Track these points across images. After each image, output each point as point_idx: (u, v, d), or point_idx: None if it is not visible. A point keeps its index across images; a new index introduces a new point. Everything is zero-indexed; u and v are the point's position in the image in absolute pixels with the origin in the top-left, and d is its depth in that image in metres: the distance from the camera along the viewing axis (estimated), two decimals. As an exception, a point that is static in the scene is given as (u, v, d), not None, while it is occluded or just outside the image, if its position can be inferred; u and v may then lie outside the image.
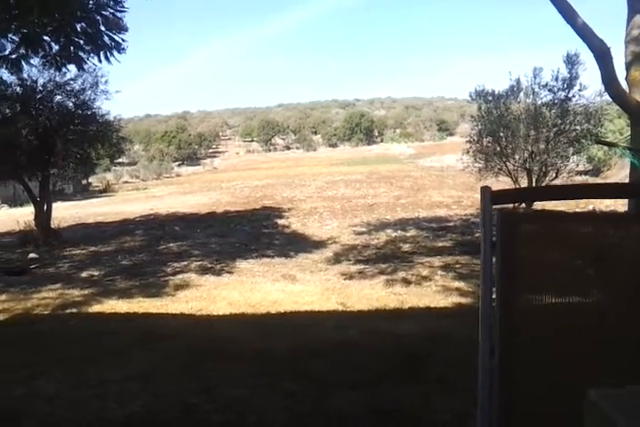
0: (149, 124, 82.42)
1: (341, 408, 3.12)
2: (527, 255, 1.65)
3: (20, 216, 14.69)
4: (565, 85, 12.92)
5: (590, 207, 13.31)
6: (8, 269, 9.43)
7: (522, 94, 13.77)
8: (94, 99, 12.88)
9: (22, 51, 7.32)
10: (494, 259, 1.63)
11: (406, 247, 10.34)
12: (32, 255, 10.79)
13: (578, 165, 15.32)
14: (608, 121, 17.21)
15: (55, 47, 7.39)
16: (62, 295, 7.26)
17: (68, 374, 3.90)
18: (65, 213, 18.11)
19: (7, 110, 12.57)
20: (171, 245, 11.77)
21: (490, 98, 13.96)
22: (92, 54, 7.39)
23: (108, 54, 7.27)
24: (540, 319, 1.62)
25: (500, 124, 13.60)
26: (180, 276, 8.45)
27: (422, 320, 5.28)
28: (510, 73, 13.62)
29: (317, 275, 8.30)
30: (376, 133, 79.70)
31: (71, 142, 13.11)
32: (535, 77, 13.32)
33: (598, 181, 21.35)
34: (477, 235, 9.46)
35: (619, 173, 20.52)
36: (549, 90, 13.16)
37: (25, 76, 11.76)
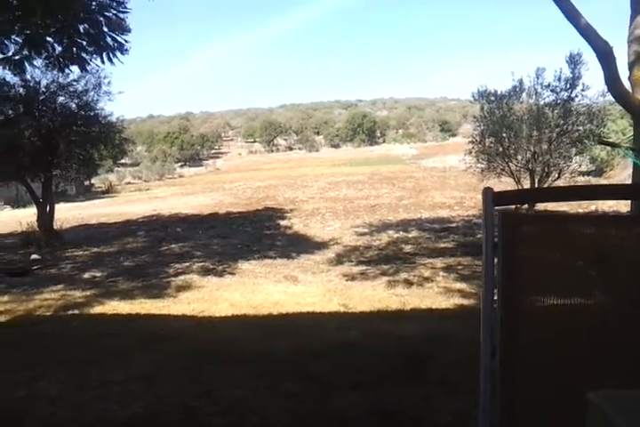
0: (152, 125, 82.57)
1: (343, 409, 3.12)
2: (529, 257, 1.64)
3: (22, 217, 14.73)
4: (568, 86, 12.92)
5: (593, 208, 13.28)
6: (10, 270, 9.45)
7: (524, 95, 13.77)
8: (97, 100, 12.94)
9: (25, 52, 7.33)
10: (496, 260, 1.63)
11: (408, 248, 10.32)
12: (34, 256, 10.81)
13: (580, 166, 15.32)
14: (611, 121, 17.19)
15: (58, 48, 7.39)
16: (64, 296, 7.26)
17: (69, 375, 3.90)
18: (67, 214, 18.15)
19: (10, 111, 12.60)
20: (173, 246, 11.78)
21: (492, 98, 13.96)
22: (94, 55, 7.39)
23: (111, 55, 7.27)
24: (541, 321, 1.62)
25: (502, 125, 13.60)
26: (181, 277, 8.46)
27: (424, 321, 5.26)
28: (513, 73, 13.64)
29: (319, 276, 8.29)
30: (378, 134, 79.71)
31: (74, 143, 13.13)
32: (538, 78, 13.33)
33: (601, 181, 21.29)
34: (479, 236, 9.44)
35: (621, 173, 20.46)
36: (552, 90, 13.16)
37: (28, 77, 11.82)
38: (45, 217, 12.87)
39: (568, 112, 13.03)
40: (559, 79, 12.97)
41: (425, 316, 5.64)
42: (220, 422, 3.07)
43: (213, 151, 74.74)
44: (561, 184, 13.51)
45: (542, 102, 13.46)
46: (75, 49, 7.20)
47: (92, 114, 13.06)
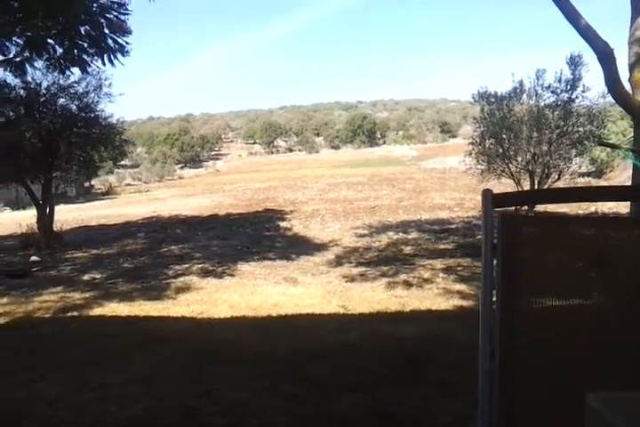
0: (152, 127, 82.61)
1: (342, 411, 3.11)
2: (528, 258, 1.64)
3: (22, 219, 14.72)
4: (568, 87, 12.93)
5: (592, 209, 13.28)
6: (10, 271, 9.45)
7: (524, 96, 13.78)
8: (98, 101, 12.95)
9: (26, 54, 7.34)
10: (495, 262, 1.63)
11: (408, 250, 10.32)
12: (34, 258, 10.80)
13: (580, 167, 15.31)
14: (611, 122, 17.19)
15: (59, 50, 7.40)
16: (64, 298, 7.26)
17: (68, 377, 3.89)
18: (67, 215, 18.15)
19: (11, 113, 12.62)
20: (172, 247, 11.78)
21: (492, 99, 13.97)
22: (95, 57, 7.39)
23: (112, 57, 7.28)
24: (540, 322, 1.61)
25: (502, 126, 13.60)
26: (181, 278, 8.46)
27: (423, 323, 5.26)
28: (513, 74, 13.65)
29: (319, 277, 8.29)
30: (378, 135, 79.73)
31: (74, 145, 13.14)
32: (538, 79, 13.34)
33: (601, 182, 21.31)
34: (479, 237, 9.45)
35: (621, 174, 20.47)
36: (552, 91, 13.17)
37: (29, 79, 11.81)
38: (45, 219, 12.87)
39: (568, 113, 13.04)
40: (559, 80, 12.98)
41: (424, 317, 5.64)
42: (219, 423, 3.06)
43: (213, 153, 74.75)
44: (561, 185, 13.51)
45: (542, 104, 13.47)
46: (76, 51, 7.21)
47: (92, 116, 13.07)
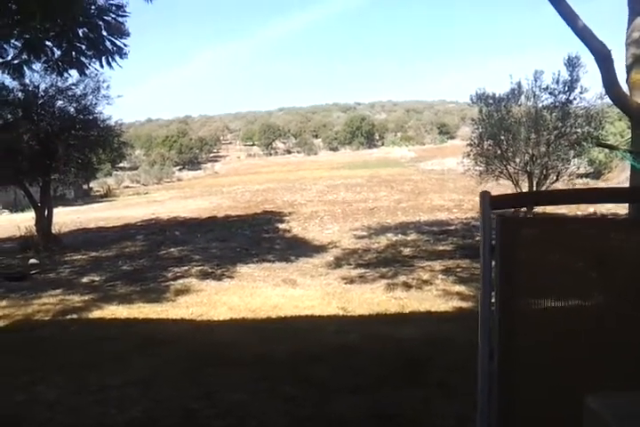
0: (151, 129, 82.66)
1: (342, 413, 3.11)
2: (526, 259, 1.65)
3: (20, 222, 14.69)
4: (566, 88, 12.96)
5: (591, 210, 13.28)
6: (9, 274, 9.43)
7: (523, 97, 13.81)
8: (96, 104, 12.94)
9: (24, 56, 7.34)
10: (493, 263, 1.63)
11: (407, 251, 10.32)
12: (33, 261, 10.79)
13: (579, 168, 15.34)
14: (609, 123, 17.25)
15: (57, 52, 7.40)
16: (63, 301, 7.25)
17: (68, 379, 3.89)
18: (66, 218, 18.14)
19: (9, 116, 12.60)
20: (171, 249, 11.77)
21: (491, 101, 14.00)
22: (93, 59, 7.40)
23: (110, 59, 7.28)
24: (539, 323, 1.62)
25: (500, 128, 13.63)
26: (180, 281, 8.45)
27: (423, 324, 5.26)
28: (511, 76, 13.68)
29: (318, 279, 8.29)
30: (377, 137, 79.86)
31: (72, 147, 13.13)
32: (536, 80, 13.38)
33: (599, 183, 21.34)
34: (478, 238, 9.42)
35: (620, 175, 20.51)
36: (550, 93, 13.21)
37: (27, 81, 11.80)
38: (44, 221, 12.85)
39: (566, 115, 13.07)
40: (557, 82, 13.02)
41: (424, 319, 5.64)
42: (218, 425, 3.07)
43: (212, 155, 74.81)
44: (559, 186, 13.53)
45: (540, 105, 13.50)
46: (74, 53, 7.21)
47: (90, 118, 13.06)
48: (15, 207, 24.73)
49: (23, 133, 12.29)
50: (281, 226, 14.61)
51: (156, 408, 3.33)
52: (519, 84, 13.62)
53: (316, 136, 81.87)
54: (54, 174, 13.35)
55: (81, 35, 7.06)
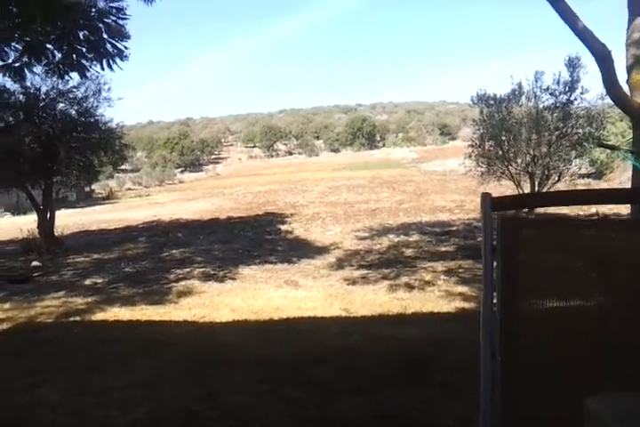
0: (152, 131, 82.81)
1: (345, 414, 3.12)
2: (528, 260, 1.65)
3: (23, 224, 14.74)
4: (567, 89, 12.94)
5: (593, 210, 13.28)
6: (11, 277, 9.45)
7: (523, 98, 13.79)
8: (97, 106, 12.95)
9: (25, 59, 7.36)
10: (495, 264, 1.63)
11: (409, 252, 10.32)
12: (35, 263, 10.80)
13: (580, 169, 15.33)
14: (610, 124, 17.22)
15: (58, 55, 7.42)
16: (65, 303, 7.26)
17: (71, 381, 3.90)
18: (68, 220, 18.17)
19: (10, 118, 12.62)
20: (174, 251, 11.77)
21: (491, 102, 13.98)
22: (94, 62, 7.42)
23: (111, 62, 7.30)
24: (540, 323, 1.62)
25: (501, 128, 13.62)
26: (182, 283, 8.45)
27: (425, 325, 5.26)
28: (512, 77, 13.65)
29: (320, 280, 8.29)
30: (378, 138, 79.87)
31: (74, 150, 13.14)
32: (537, 81, 13.36)
33: (601, 183, 21.31)
34: (480, 239, 9.43)
35: (621, 175, 20.47)
36: (551, 93, 13.19)
37: (28, 84, 11.82)
38: (46, 224, 12.87)
39: (567, 115, 13.06)
40: (558, 82, 13.00)
41: (426, 319, 5.63)
42: (221, 426, 3.07)
43: (213, 156, 74.90)
44: (561, 187, 13.53)
45: (541, 105, 13.48)
46: (74, 56, 7.23)
47: (91, 120, 13.07)
48: (17, 210, 24.78)
49: (25, 136, 12.31)
50: (283, 227, 14.62)
51: (159, 410, 3.33)
52: (520, 85, 13.61)
53: (318, 137, 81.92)
54: (56, 177, 13.37)
55: (82, 37, 7.08)
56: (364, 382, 3.58)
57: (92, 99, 12.77)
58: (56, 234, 13.28)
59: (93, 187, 36.00)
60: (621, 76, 5.58)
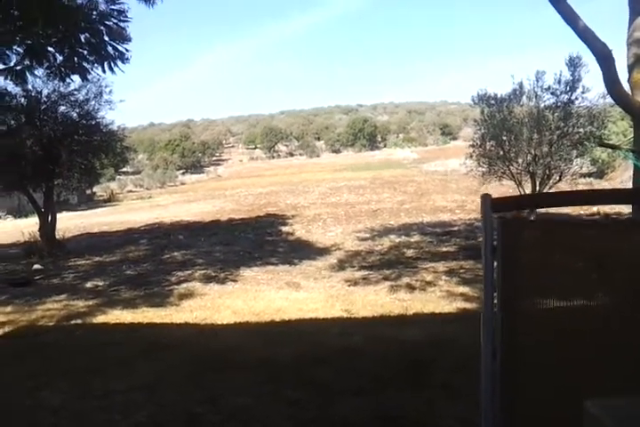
0: (153, 133, 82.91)
1: (346, 415, 3.11)
2: (528, 260, 1.65)
3: (24, 227, 14.74)
4: (568, 88, 12.90)
5: (594, 209, 13.26)
6: (13, 280, 9.45)
7: (524, 98, 13.74)
8: (98, 109, 12.96)
9: (27, 62, 7.39)
10: (495, 264, 1.63)
11: (410, 253, 10.31)
12: (36, 266, 10.81)
13: (581, 168, 15.27)
14: (611, 123, 17.16)
15: (59, 58, 7.44)
16: (67, 306, 7.26)
17: (72, 385, 3.90)
18: (69, 223, 18.18)
19: (12, 121, 12.64)
20: (175, 253, 11.78)
21: (492, 102, 13.94)
22: (95, 64, 7.44)
23: (112, 64, 7.33)
24: (541, 323, 1.62)
25: (502, 128, 13.58)
26: (184, 285, 8.45)
27: (427, 326, 5.26)
28: (513, 76, 13.61)
29: (321, 282, 8.28)
30: (379, 139, 79.81)
31: (75, 153, 13.16)
32: (538, 80, 13.30)
33: (602, 183, 21.27)
34: (481, 239, 9.42)
35: (623, 174, 20.45)
36: (552, 93, 13.13)
37: (29, 87, 11.82)
38: (47, 227, 12.88)
39: (568, 114, 13.02)
40: (559, 82, 12.95)
41: (427, 320, 5.63)
42: (223, 429, 3.07)
43: (215, 158, 74.91)
44: (562, 186, 13.50)
45: (542, 105, 13.44)
46: (76, 58, 7.26)
47: (93, 123, 13.09)
48: (19, 213, 24.82)
49: (26, 139, 12.33)
50: (284, 229, 14.62)
51: (161, 413, 3.33)
52: (521, 85, 13.56)
53: (319, 138, 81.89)
54: (58, 179, 13.39)
55: (83, 40, 7.11)
56: (365, 383, 3.58)
57: (93, 101, 12.79)
58: (57, 237, 13.29)
59: (95, 189, 36.09)
60: (622, 75, 5.59)
